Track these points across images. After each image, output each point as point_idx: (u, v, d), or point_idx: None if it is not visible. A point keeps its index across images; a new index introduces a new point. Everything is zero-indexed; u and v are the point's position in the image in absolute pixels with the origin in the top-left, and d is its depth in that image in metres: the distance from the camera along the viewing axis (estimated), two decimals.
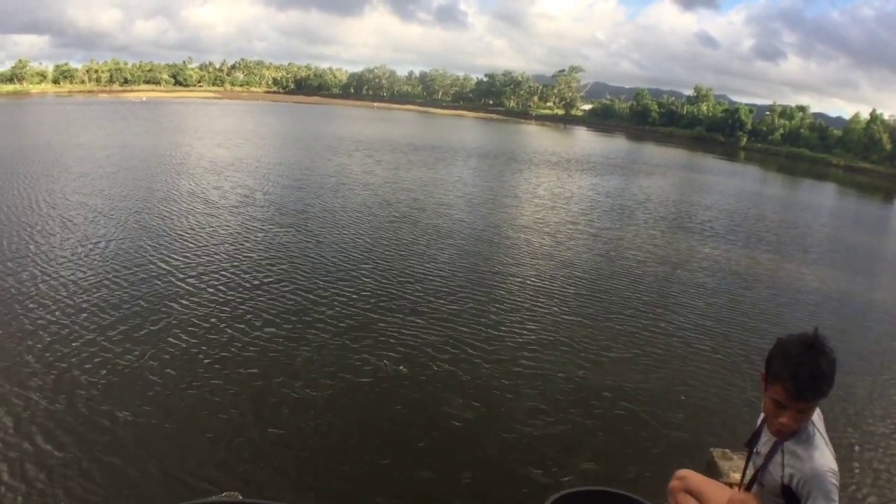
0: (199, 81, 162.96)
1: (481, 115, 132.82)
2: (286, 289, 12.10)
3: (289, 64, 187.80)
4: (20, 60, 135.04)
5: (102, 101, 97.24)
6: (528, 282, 13.90)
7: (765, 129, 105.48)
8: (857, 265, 20.50)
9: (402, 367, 9.00)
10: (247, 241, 15.41)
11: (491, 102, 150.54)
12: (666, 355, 10.36)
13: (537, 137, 78.66)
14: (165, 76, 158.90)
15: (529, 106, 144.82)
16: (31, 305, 10.44)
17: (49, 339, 9.22)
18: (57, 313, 10.18)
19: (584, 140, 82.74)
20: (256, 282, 12.38)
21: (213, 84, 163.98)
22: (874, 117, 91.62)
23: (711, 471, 4.81)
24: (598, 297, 13.25)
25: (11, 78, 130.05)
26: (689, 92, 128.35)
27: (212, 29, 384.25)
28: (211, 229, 16.34)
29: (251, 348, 9.34)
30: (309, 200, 21.59)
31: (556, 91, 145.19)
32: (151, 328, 9.77)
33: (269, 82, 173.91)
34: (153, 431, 7.01)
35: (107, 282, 11.80)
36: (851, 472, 7.28)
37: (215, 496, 4.10)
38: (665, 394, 8.94)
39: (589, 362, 9.79)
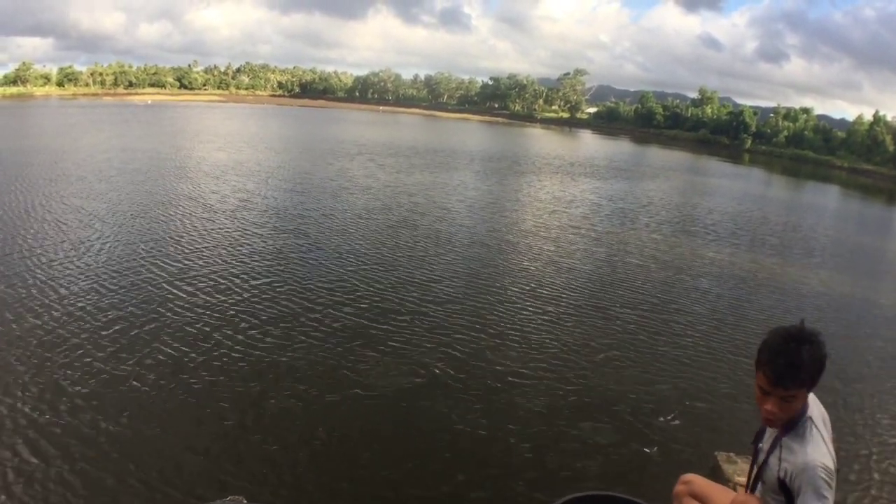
0: (204, 85, 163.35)
1: (486, 118, 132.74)
2: (281, 295, 11.96)
3: (294, 67, 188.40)
4: (24, 63, 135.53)
5: (106, 104, 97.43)
6: (529, 286, 13.78)
7: (769, 131, 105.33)
8: (862, 268, 20.33)
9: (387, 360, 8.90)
10: (243, 247, 15.30)
11: (496, 106, 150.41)
12: (669, 359, 10.26)
13: (542, 141, 78.52)
14: (170, 79, 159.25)
15: (534, 109, 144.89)
16: (19, 310, 10.34)
17: (36, 343, 9.11)
18: (45, 317, 10.08)
19: (589, 143, 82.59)
20: (251, 288, 12.26)
21: (218, 87, 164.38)
22: (877, 119, 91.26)
23: (716, 474, 4.88)
24: (601, 302, 13.13)
25: (15, 80, 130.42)
26: (694, 94, 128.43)
27: (216, 32, 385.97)
28: (207, 234, 16.23)
29: (244, 356, 9.21)
30: (308, 205, 21.51)
31: (560, 94, 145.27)
32: (141, 335, 9.65)
33: (274, 86, 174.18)
34: (137, 440, 6.89)
35: (98, 287, 11.71)
36: (860, 481, 7.19)
37: (220, 500, 4.17)
38: (669, 398, 8.84)
39: (592, 366, 9.71)
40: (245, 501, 4.06)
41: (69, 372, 8.31)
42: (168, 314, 10.55)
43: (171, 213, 18.62)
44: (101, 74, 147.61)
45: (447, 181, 30.85)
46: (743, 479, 4.68)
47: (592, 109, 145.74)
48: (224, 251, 14.75)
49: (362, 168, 33.44)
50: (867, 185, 66.29)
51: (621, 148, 76.87)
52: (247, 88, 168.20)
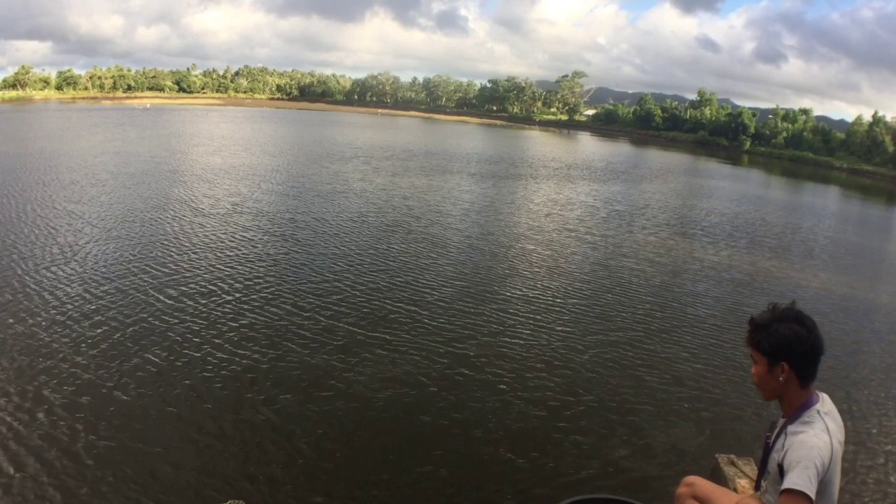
0: (202, 88, 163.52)
1: (485, 120, 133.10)
2: (270, 301, 11.80)
3: (292, 71, 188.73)
4: (23, 67, 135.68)
5: (105, 107, 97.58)
6: (525, 290, 13.63)
7: (768, 132, 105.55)
8: (863, 270, 20.18)
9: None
10: (232, 251, 15.13)
11: (495, 108, 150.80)
12: (669, 362, 10.17)
13: (540, 143, 78.52)
14: (169, 83, 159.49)
15: (533, 111, 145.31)
16: (2, 315, 10.20)
17: (18, 350, 8.95)
18: (28, 322, 9.95)
19: (588, 145, 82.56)
20: (240, 293, 12.08)
21: (217, 91, 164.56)
22: (876, 119, 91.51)
23: (716, 477, 4.82)
24: (598, 305, 13.01)
25: (14, 84, 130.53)
26: (693, 96, 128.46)
27: (214, 36, 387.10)
28: (196, 238, 16.06)
29: (230, 363, 9.03)
30: (300, 208, 21.35)
31: (559, 96, 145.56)
32: (125, 342, 9.48)
33: (273, 89, 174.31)
34: (115, 449, 6.71)
35: (84, 292, 11.54)
36: (865, 492, 7.16)
37: None
38: (669, 400, 8.80)
39: (590, 369, 9.61)
40: None
41: (49, 379, 8.15)
42: (153, 320, 10.38)
43: (162, 216, 18.48)
44: (99, 78, 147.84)
45: (442, 184, 30.72)
46: (744, 481, 4.64)
47: (591, 111, 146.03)
48: (213, 256, 14.60)
49: (357, 171, 33.29)
50: (867, 185, 66.35)
51: (620, 150, 76.85)
52: (245, 92, 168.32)
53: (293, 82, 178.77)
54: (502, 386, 8.83)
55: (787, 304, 3.01)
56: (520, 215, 23.51)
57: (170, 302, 11.30)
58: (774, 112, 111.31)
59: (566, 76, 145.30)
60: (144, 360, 8.89)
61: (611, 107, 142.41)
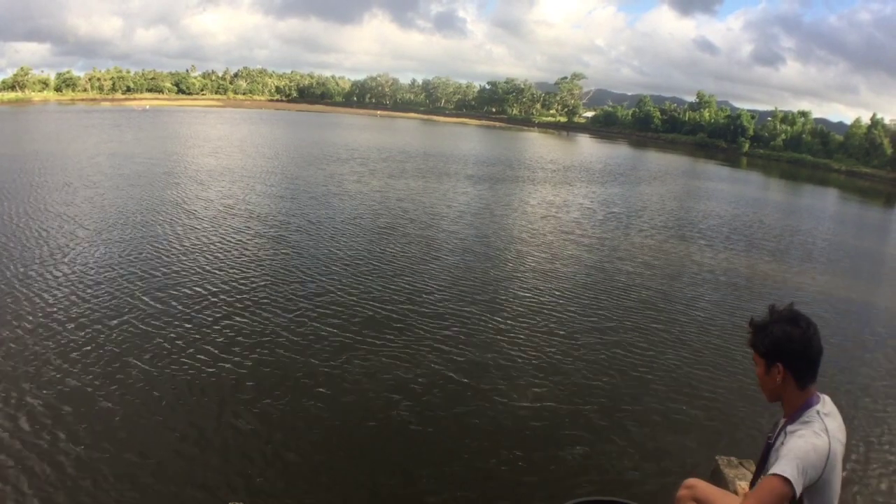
0: (201, 90, 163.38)
1: (484, 122, 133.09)
2: (261, 305, 11.67)
3: (291, 72, 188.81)
4: (22, 68, 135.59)
5: (103, 109, 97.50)
6: (521, 293, 13.55)
7: (767, 134, 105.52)
8: (862, 272, 20.19)
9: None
10: (223, 255, 15.01)
11: (494, 110, 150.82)
12: (668, 365, 10.19)
13: (539, 145, 78.46)
14: (168, 84, 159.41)
15: (532, 113, 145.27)
16: None
17: (3, 355, 8.86)
18: (14, 325, 9.91)
19: (586, 147, 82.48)
20: (229, 298, 11.94)
21: (216, 92, 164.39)
22: (875, 122, 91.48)
23: (717, 479, 4.84)
24: (596, 308, 12.95)
25: (13, 86, 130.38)
26: (692, 98, 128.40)
27: (213, 37, 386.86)
28: (187, 241, 15.95)
29: (219, 369, 8.91)
30: (293, 211, 21.21)
31: (558, 98, 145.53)
32: (111, 347, 9.36)
33: (272, 90, 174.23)
34: (97, 457, 6.61)
35: (72, 297, 11.43)
36: (870, 497, 7.13)
37: None
38: (669, 403, 8.83)
39: (590, 372, 9.60)
40: None
41: (33, 385, 8.05)
42: (141, 325, 10.27)
43: (153, 219, 18.37)
44: (99, 79, 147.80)
45: (438, 186, 30.60)
46: (745, 483, 4.66)
47: (590, 113, 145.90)
48: (202, 259, 14.49)
49: (352, 173, 33.16)
50: (865, 187, 66.33)
51: (619, 152, 76.81)
52: (245, 93, 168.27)
53: (292, 84, 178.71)
54: (499, 390, 8.78)
55: (786, 305, 3.00)
56: (516, 218, 23.39)
57: (158, 306, 11.19)
58: (773, 114, 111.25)
59: (565, 78, 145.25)
60: (130, 366, 8.78)
61: (610, 109, 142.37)
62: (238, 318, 10.86)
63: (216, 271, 13.58)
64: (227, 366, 9.01)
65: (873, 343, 12.73)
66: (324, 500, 6.31)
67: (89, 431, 7.09)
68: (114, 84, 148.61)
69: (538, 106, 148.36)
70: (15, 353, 9.00)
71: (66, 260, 13.78)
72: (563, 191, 32.95)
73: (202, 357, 9.24)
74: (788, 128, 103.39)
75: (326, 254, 15.68)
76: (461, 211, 23.81)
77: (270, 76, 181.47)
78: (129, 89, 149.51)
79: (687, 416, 8.54)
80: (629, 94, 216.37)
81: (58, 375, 8.38)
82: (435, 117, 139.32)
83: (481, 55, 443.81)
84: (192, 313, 10.95)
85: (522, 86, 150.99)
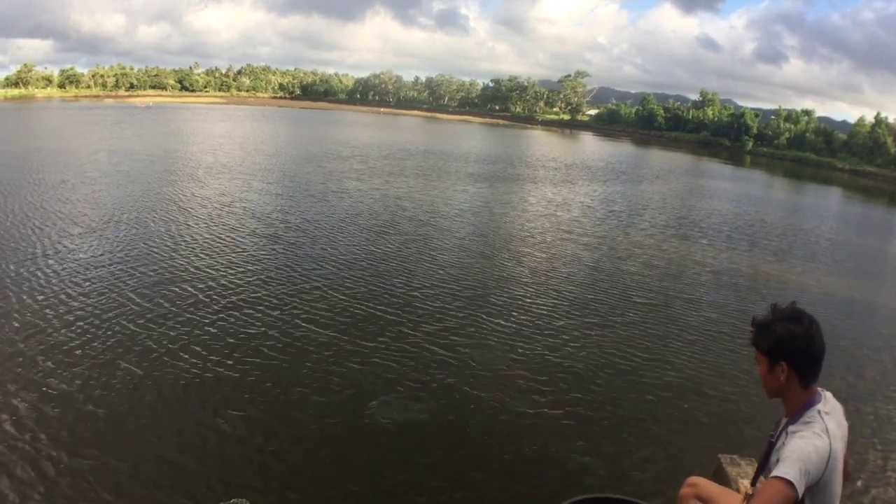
0: (205, 87, 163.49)
1: (487, 120, 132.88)
2: (253, 305, 11.52)
3: (295, 69, 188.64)
4: (25, 65, 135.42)
5: (106, 105, 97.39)
6: (520, 291, 13.42)
7: (770, 133, 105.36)
8: (866, 272, 20.02)
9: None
10: (217, 254, 14.86)
11: (497, 108, 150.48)
12: (670, 363, 10.14)
13: (542, 143, 78.25)
14: (172, 81, 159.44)
15: (535, 111, 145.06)
16: None
17: None
18: (2, 323, 9.80)
19: (590, 145, 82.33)
20: (222, 299, 11.78)
21: (220, 89, 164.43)
22: (879, 121, 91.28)
23: (719, 477, 4.85)
24: (598, 306, 12.88)
25: (17, 82, 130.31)
26: (695, 96, 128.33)
27: (216, 34, 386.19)
28: (181, 240, 15.79)
29: (209, 371, 8.74)
30: (290, 209, 21.04)
31: (561, 96, 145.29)
32: (101, 349, 9.19)
33: (276, 88, 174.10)
34: (80, 462, 6.46)
35: (62, 295, 11.29)
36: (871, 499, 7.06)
37: (223, 502, 4.10)
38: (671, 401, 8.81)
39: (591, 370, 9.57)
40: (248, 503, 4.02)
41: (18, 387, 7.91)
42: (130, 325, 10.13)
43: (147, 217, 18.26)
44: (102, 76, 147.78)
45: (437, 184, 30.49)
46: (747, 482, 4.66)
47: (593, 111, 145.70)
48: (196, 258, 14.35)
49: (352, 171, 33.03)
50: (869, 186, 66.11)
51: (622, 150, 76.63)
52: (248, 90, 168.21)
53: (296, 81, 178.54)
54: (496, 389, 8.71)
55: (788, 303, 2.99)
56: (515, 217, 23.24)
57: (148, 305, 11.06)
58: (777, 113, 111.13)
59: (568, 76, 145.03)
60: (117, 367, 8.63)
61: (613, 107, 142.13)
62: (228, 318, 10.73)
63: (208, 270, 13.46)
64: (216, 366, 8.87)
65: (877, 344, 12.55)
66: (314, 502, 6.25)
67: (72, 433, 6.97)
68: (117, 81, 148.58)
69: (541, 104, 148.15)
70: (1, 353, 8.89)
71: (57, 258, 13.67)
72: (565, 189, 32.79)
73: (190, 358, 9.10)
74: (792, 126, 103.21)
75: (321, 253, 15.55)
76: (460, 209, 23.68)
77: (274, 73, 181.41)
78: (132, 86, 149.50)
79: (689, 415, 8.53)
80: (632, 91, 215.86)
81: (43, 376, 8.24)
82: (438, 115, 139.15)
83: (484, 53, 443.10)
84: (182, 312, 10.83)
85: (526, 83, 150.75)
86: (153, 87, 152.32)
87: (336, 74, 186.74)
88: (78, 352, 9.07)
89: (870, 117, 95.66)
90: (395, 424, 7.67)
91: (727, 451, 5.55)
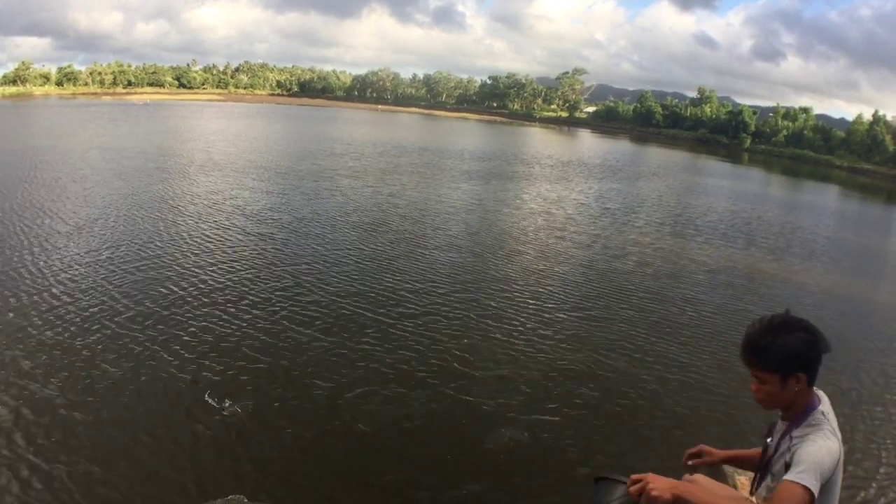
0: (202, 84, 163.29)
1: (485, 117, 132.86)
2: (238, 305, 11.34)
3: (292, 66, 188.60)
4: (23, 62, 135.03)
5: (104, 103, 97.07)
6: (514, 290, 13.27)
7: (768, 130, 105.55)
8: (865, 270, 20.06)
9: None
10: (202, 253, 14.62)
11: (495, 105, 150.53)
12: (668, 361, 10.09)
13: (539, 140, 78.03)
14: (169, 78, 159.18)
15: (533, 108, 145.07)
16: None
17: None
18: None
19: (587, 142, 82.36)
20: (205, 298, 11.57)
21: (217, 86, 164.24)
22: (877, 118, 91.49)
23: (717, 473, 4.78)
24: (593, 304, 12.80)
25: (14, 80, 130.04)
26: (693, 94, 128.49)
27: (213, 31, 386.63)
28: (169, 238, 15.61)
29: (193, 377, 8.53)
30: (281, 207, 20.83)
31: (559, 93, 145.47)
32: (83, 351, 8.98)
33: (273, 85, 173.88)
34: (56, 471, 6.28)
35: (45, 294, 11.12)
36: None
37: (220, 499, 4.03)
38: (667, 398, 8.81)
39: (588, 368, 9.53)
40: (246, 500, 3.96)
41: None
42: (113, 326, 9.94)
43: (136, 214, 18.09)
44: (100, 74, 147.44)
45: (431, 181, 30.38)
46: (744, 478, 4.59)
47: (591, 108, 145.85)
48: (182, 257, 14.15)
49: (345, 168, 32.79)
50: (867, 184, 66.28)
51: (619, 147, 76.66)
52: (246, 88, 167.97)
53: (293, 78, 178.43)
54: (492, 388, 8.63)
55: (782, 313, 2.90)
56: (509, 215, 23.06)
57: (132, 305, 10.87)
58: (775, 110, 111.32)
59: (566, 73, 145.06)
60: (99, 369, 8.44)
61: (611, 104, 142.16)
62: (213, 318, 10.55)
63: (194, 269, 13.27)
64: (198, 367, 8.70)
65: (879, 344, 12.44)
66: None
67: (49, 436, 6.82)
68: (115, 78, 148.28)
69: (539, 101, 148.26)
70: None
71: (43, 256, 13.50)
72: (560, 186, 32.64)
73: (172, 359, 8.91)
74: (790, 124, 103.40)
75: (310, 251, 15.38)
76: (453, 207, 23.51)
77: (271, 70, 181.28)
78: (130, 83, 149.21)
79: (686, 412, 8.51)
80: (630, 89, 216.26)
81: (21, 377, 8.09)
82: (436, 112, 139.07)
83: (481, 50, 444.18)
84: (166, 312, 10.65)
85: (524, 81, 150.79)
86: (151, 85, 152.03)
87: (334, 71, 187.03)
88: (57, 352, 8.90)
89: (867, 115, 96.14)
90: (385, 423, 7.58)
91: (725, 447, 5.46)
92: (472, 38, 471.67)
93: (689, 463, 3.66)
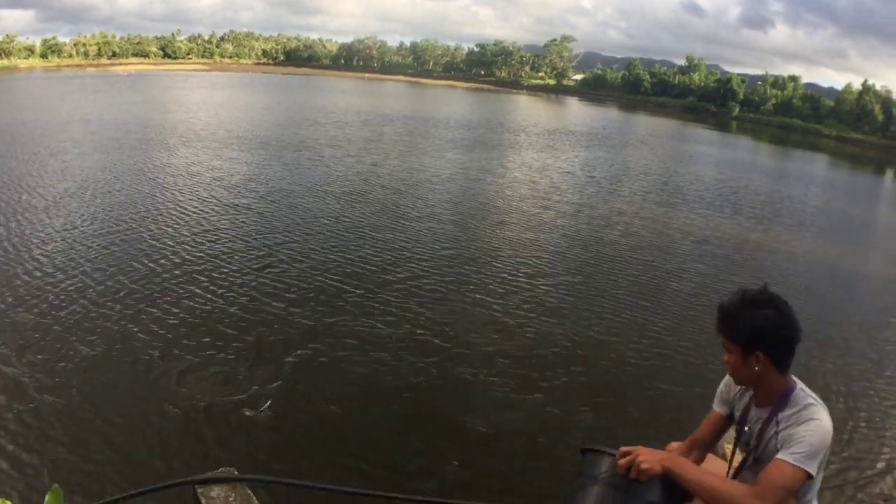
0: (188, 54, 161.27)
1: (473, 85, 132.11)
2: (215, 282, 11.08)
3: (278, 35, 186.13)
4: (7, 35, 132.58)
5: (88, 74, 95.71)
6: (499, 259, 13.22)
7: (757, 99, 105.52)
8: (853, 240, 20.10)
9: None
10: (182, 225, 14.33)
11: (482, 73, 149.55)
12: (652, 333, 10.05)
13: (525, 108, 77.45)
14: (154, 49, 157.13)
15: (521, 76, 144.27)
16: None
17: None
18: None
19: (575, 110, 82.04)
20: (181, 272, 11.30)
21: (203, 56, 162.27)
22: (866, 88, 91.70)
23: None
24: (578, 273, 12.83)
25: None
26: (681, 62, 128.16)
27: (197, 0, 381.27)
28: (145, 211, 15.25)
29: (162, 354, 8.34)
30: (261, 178, 20.50)
31: (547, 61, 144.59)
32: (57, 331, 8.74)
33: (259, 54, 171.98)
34: (30, 459, 6.12)
35: (19, 270, 10.87)
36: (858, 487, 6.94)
37: (211, 472, 3.85)
38: (654, 370, 8.84)
39: (572, 342, 9.46)
40: (236, 472, 3.79)
41: None
42: (87, 303, 9.68)
43: (113, 188, 17.73)
44: (84, 45, 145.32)
45: (415, 150, 30.00)
46: (730, 446, 4.42)
47: (579, 76, 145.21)
48: (159, 230, 13.83)
49: (328, 137, 32.30)
50: (855, 153, 66.55)
51: (607, 115, 76.31)
52: (231, 57, 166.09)
53: (279, 47, 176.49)
54: (477, 365, 8.52)
55: (758, 287, 2.84)
56: (493, 183, 22.85)
57: (107, 281, 10.61)
58: (763, 79, 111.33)
59: (554, 40, 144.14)
60: (72, 349, 8.21)
61: (599, 72, 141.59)
62: (189, 294, 10.32)
63: (170, 243, 12.96)
64: (169, 345, 8.50)
65: (869, 317, 12.38)
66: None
67: (19, 420, 6.63)
68: (99, 49, 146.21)
69: (527, 69, 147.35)
70: None
71: (17, 233, 13.15)
72: (545, 155, 32.39)
73: (144, 336, 8.71)
74: (779, 92, 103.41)
75: (289, 223, 15.12)
76: (436, 176, 23.25)
77: (257, 39, 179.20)
78: (114, 54, 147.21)
79: (672, 383, 8.54)
80: (618, 56, 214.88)
81: None
82: (423, 80, 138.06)
83: (467, 17, 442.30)
84: (141, 289, 10.38)
85: (511, 48, 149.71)
86: (136, 55, 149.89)
87: (320, 40, 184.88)
88: (29, 331, 8.67)
89: (856, 84, 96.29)
90: (364, 398, 7.53)
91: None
92: (458, 4, 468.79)
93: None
